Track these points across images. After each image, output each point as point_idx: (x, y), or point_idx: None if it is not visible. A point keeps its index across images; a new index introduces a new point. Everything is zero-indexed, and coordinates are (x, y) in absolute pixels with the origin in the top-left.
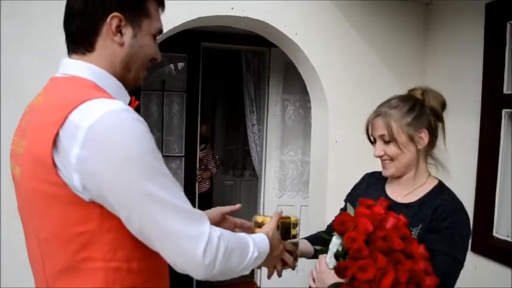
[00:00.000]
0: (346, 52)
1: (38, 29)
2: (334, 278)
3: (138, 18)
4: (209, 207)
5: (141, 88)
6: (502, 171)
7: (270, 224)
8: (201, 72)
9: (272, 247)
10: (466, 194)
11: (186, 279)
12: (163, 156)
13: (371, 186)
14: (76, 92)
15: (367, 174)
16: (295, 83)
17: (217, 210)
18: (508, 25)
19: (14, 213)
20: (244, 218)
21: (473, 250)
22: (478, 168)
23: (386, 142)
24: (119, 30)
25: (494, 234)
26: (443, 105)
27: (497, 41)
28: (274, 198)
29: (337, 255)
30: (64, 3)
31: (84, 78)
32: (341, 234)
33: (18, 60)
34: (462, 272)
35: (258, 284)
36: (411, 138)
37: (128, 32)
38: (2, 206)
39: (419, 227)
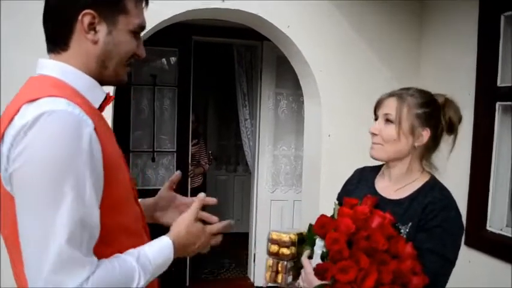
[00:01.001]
0: (339, 46)
1: (38, 28)
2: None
3: (114, 14)
4: None
5: (132, 83)
6: (496, 165)
7: (183, 219)
8: (192, 67)
9: (181, 247)
10: (459, 187)
11: (179, 273)
12: (155, 151)
13: (361, 181)
14: (31, 91)
15: (358, 169)
16: (288, 77)
17: (163, 191)
18: (502, 17)
19: None
20: (238, 216)
21: (467, 244)
22: (471, 161)
23: (388, 123)
24: (92, 27)
25: (488, 227)
26: (460, 120)
27: (491, 33)
28: (267, 194)
29: (322, 257)
30: None
31: (50, 77)
32: (322, 237)
33: (17, 59)
34: (455, 266)
35: (252, 280)
36: (412, 130)
37: (102, 29)
38: None
39: (409, 225)
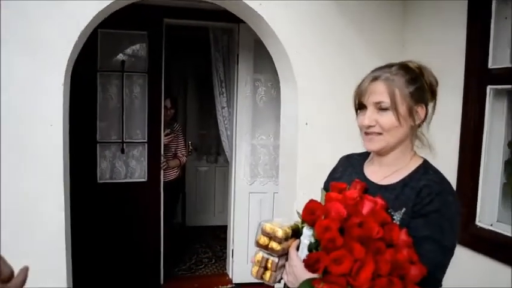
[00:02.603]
0: (317, 24)
1: (36, 31)
2: (307, 273)
3: None
4: (177, 196)
5: (98, 69)
6: (486, 154)
7: None
8: (164, 51)
9: None
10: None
11: (152, 270)
12: (125, 142)
13: (348, 169)
14: None
15: (343, 156)
16: (266, 62)
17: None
18: None
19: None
20: (220, 208)
21: None
22: (460, 151)
23: (382, 110)
24: None
25: (477, 222)
26: (437, 82)
27: (482, 10)
28: (245, 186)
29: (310, 248)
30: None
31: None
32: (311, 224)
33: (16, 62)
34: None
35: (230, 276)
36: (410, 111)
37: None
38: (2, 205)
39: (403, 211)
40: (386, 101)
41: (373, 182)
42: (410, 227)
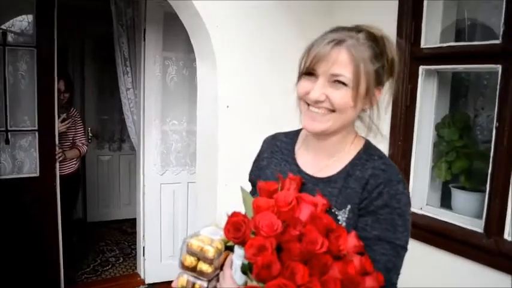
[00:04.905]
0: None
1: None
2: None
3: None
4: (77, 192)
5: None
6: (418, 137)
7: None
8: (56, 23)
9: None
10: None
11: (50, 275)
12: (9, 131)
13: (275, 154)
14: None
15: (267, 138)
16: (178, 38)
17: None
18: None
19: None
20: (126, 200)
21: None
22: (390, 133)
23: (336, 84)
24: None
25: None
26: (397, 60)
27: None
28: (156, 176)
29: (244, 270)
30: None
31: None
32: (240, 244)
33: None
34: None
35: (142, 276)
36: (367, 92)
37: None
38: None
39: (348, 208)
40: (347, 76)
41: (309, 175)
42: (358, 227)
